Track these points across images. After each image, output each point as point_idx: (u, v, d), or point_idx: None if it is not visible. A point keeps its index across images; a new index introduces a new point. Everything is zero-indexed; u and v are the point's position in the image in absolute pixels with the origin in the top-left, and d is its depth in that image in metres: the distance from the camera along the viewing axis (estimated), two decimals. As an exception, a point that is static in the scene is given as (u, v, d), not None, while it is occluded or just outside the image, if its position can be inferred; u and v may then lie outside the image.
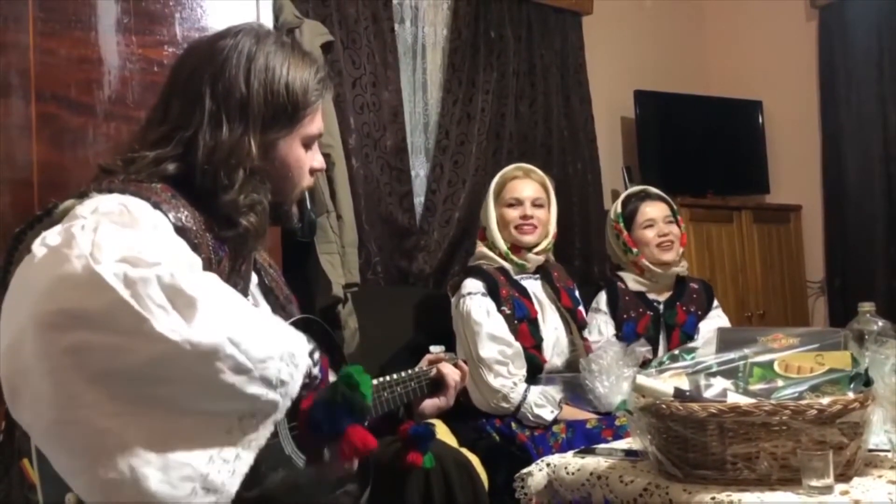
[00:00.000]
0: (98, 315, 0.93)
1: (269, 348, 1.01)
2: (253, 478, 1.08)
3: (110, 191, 1.13)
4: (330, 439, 1.15)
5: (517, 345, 2.42)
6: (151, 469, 0.93)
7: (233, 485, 0.98)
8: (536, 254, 2.59)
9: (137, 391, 0.94)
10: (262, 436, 1.01)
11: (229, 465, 0.98)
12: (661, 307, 2.78)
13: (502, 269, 2.54)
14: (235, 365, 0.97)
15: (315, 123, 1.32)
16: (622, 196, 2.95)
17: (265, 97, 1.24)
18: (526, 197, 2.57)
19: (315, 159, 1.35)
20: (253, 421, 1.00)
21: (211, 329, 0.95)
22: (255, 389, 0.99)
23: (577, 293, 2.71)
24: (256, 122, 1.23)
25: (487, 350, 2.38)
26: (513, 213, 2.56)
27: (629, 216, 2.84)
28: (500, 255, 2.55)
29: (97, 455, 0.92)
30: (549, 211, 2.62)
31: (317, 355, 1.12)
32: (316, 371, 1.11)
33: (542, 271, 2.63)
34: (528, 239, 2.56)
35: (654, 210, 2.82)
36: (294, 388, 1.04)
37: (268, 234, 1.35)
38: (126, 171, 1.19)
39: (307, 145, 1.32)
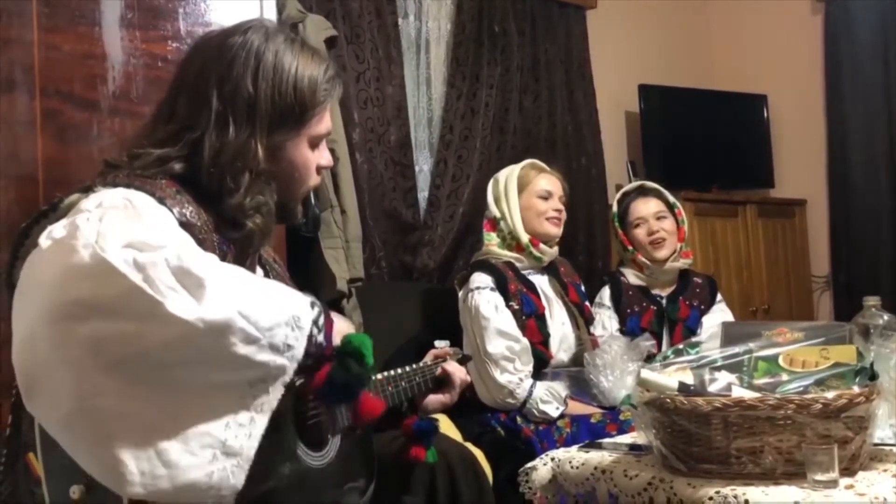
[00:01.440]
0: (112, 302, 0.94)
1: (276, 315, 1.04)
2: (261, 474, 1.09)
3: (115, 185, 1.14)
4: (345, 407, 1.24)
5: (524, 340, 2.41)
6: (172, 442, 0.96)
7: (251, 447, 1.02)
8: (551, 247, 2.60)
9: (154, 374, 0.96)
10: (273, 399, 1.05)
11: (245, 428, 1.02)
12: (664, 301, 2.78)
13: (510, 264, 2.54)
14: (246, 336, 1.00)
15: (323, 123, 1.31)
16: (619, 193, 2.95)
17: (273, 98, 1.23)
18: (555, 191, 2.60)
19: (322, 157, 1.34)
20: (264, 385, 1.04)
21: (221, 305, 0.98)
22: (265, 357, 1.03)
23: (582, 288, 2.71)
24: (263, 124, 1.23)
25: (495, 345, 2.38)
26: (545, 205, 2.57)
27: (622, 214, 2.84)
28: (518, 247, 2.55)
29: (118, 437, 0.94)
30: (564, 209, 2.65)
31: (321, 320, 1.14)
32: (321, 338, 1.13)
33: (550, 266, 2.64)
34: (556, 231, 2.59)
35: (644, 207, 2.81)
36: (300, 350, 1.08)
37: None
38: (131, 167, 1.19)
39: (314, 145, 1.31)
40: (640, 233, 2.79)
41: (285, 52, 1.26)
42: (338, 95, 1.36)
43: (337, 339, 1.17)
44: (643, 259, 2.78)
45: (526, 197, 2.58)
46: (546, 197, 2.57)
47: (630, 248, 2.81)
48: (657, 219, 2.78)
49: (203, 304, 0.96)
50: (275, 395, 1.05)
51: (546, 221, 2.56)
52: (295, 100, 1.25)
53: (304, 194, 1.36)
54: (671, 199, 2.86)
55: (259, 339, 1.01)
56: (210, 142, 1.20)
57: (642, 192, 2.87)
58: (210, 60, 1.24)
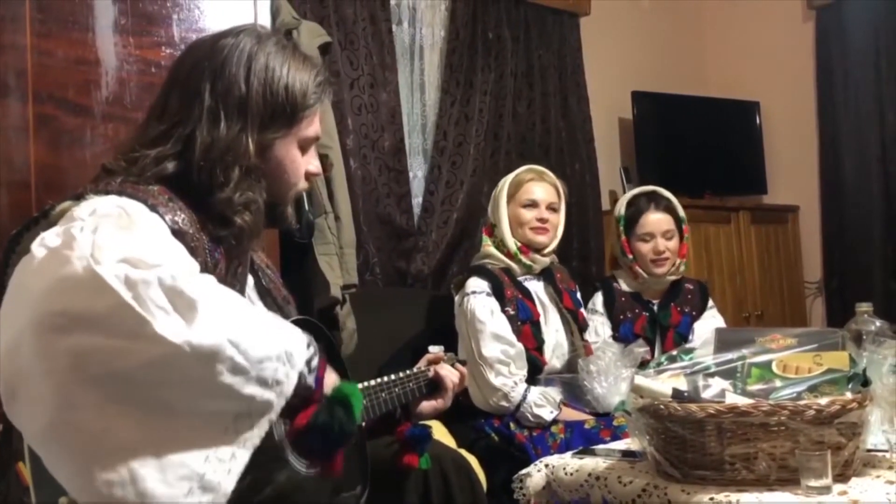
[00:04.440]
0: (99, 317, 0.93)
1: (267, 348, 1.02)
2: (254, 482, 1.08)
3: (107, 192, 1.13)
4: (320, 460, 1.17)
5: (519, 345, 2.42)
6: (149, 469, 0.93)
7: (229, 484, 0.99)
8: (544, 255, 2.59)
9: (136, 393, 0.94)
10: (256, 435, 1.02)
11: (225, 464, 0.98)
12: (656, 308, 2.77)
13: (507, 270, 2.54)
14: (234, 366, 0.97)
15: (312, 127, 1.32)
16: (629, 194, 2.88)
17: (264, 96, 1.24)
18: (542, 199, 2.58)
19: (311, 163, 1.35)
20: (248, 420, 1.01)
21: (211, 331, 0.96)
22: (252, 390, 1.00)
23: (578, 295, 2.71)
24: (254, 121, 1.23)
25: (490, 349, 2.39)
26: (529, 215, 2.56)
27: (630, 220, 2.80)
28: (508, 254, 2.55)
29: (94, 456, 0.92)
30: (559, 215, 2.63)
31: (315, 362, 1.12)
32: (311, 380, 1.11)
33: (546, 273, 2.64)
34: (542, 240, 2.57)
35: (655, 223, 2.75)
36: (289, 387, 1.05)
37: (266, 234, 1.35)
38: (127, 172, 1.19)
39: (304, 148, 1.32)
40: (646, 248, 2.74)
41: (276, 55, 1.27)
42: (328, 100, 1.36)
43: (327, 388, 1.15)
44: (639, 270, 2.77)
45: (513, 206, 2.59)
46: (530, 206, 2.56)
47: (630, 255, 2.79)
48: (665, 237, 2.74)
49: (192, 328, 0.94)
50: (259, 431, 1.02)
51: (529, 231, 2.56)
52: (286, 100, 1.26)
53: (293, 197, 1.36)
54: (681, 213, 2.80)
55: (247, 371, 0.99)
56: (201, 136, 1.20)
57: (655, 201, 2.79)
58: (202, 59, 1.25)
